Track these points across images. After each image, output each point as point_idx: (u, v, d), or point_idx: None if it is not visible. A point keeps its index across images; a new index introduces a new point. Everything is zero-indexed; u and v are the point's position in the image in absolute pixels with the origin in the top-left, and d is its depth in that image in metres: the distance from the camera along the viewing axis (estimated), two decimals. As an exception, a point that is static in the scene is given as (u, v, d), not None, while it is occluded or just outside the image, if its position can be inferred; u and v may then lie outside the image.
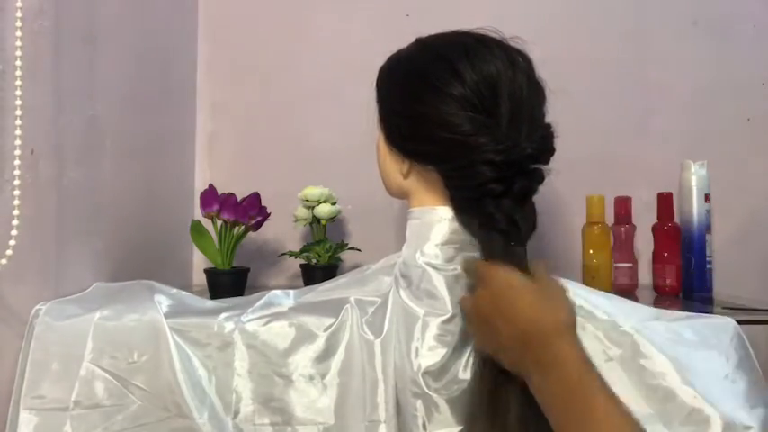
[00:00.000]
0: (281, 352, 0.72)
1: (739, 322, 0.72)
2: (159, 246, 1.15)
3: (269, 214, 1.10)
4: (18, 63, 0.72)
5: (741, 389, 0.66)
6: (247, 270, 1.09)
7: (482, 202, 0.68)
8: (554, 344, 0.58)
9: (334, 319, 0.73)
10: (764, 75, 1.29)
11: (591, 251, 1.10)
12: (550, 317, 0.60)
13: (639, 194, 1.18)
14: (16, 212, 0.72)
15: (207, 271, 1.07)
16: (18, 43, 0.72)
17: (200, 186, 1.29)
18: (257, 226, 1.08)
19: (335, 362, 0.72)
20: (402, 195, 0.79)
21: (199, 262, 1.29)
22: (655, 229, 1.13)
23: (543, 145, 0.70)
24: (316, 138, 1.32)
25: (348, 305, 0.74)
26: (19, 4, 0.72)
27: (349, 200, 1.25)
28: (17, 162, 0.72)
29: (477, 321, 0.65)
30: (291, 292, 0.81)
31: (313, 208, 1.16)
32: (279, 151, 1.33)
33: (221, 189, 1.06)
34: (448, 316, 0.69)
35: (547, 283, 0.63)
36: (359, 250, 1.19)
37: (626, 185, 1.19)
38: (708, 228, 1.09)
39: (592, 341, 0.68)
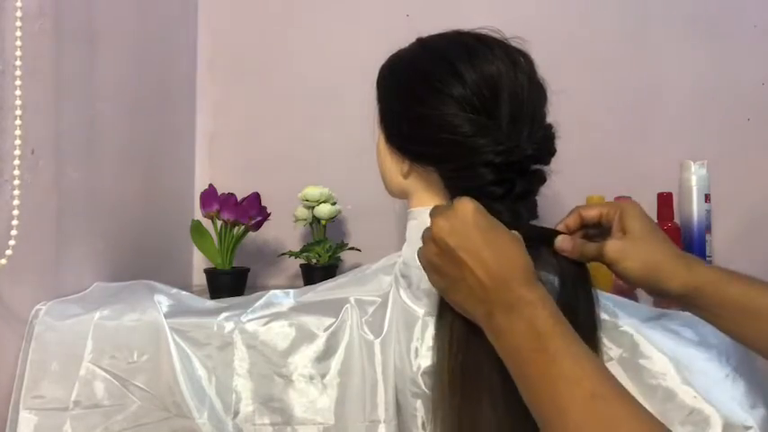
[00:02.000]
0: (281, 352, 0.72)
1: (739, 322, 0.72)
2: (159, 246, 1.15)
3: (269, 214, 1.10)
4: (18, 63, 0.72)
5: (741, 389, 0.65)
6: (247, 270, 1.09)
7: (482, 203, 0.68)
8: (522, 285, 0.56)
9: (334, 319, 0.73)
10: (764, 75, 1.29)
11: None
12: (520, 260, 0.58)
13: (639, 194, 1.18)
14: (16, 212, 0.72)
15: (207, 271, 1.07)
16: (18, 43, 0.72)
17: (200, 186, 1.29)
18: (257, 226, 1.08)
19: (335, 362, 0.72)
20: (402, 195, 0.79)
21: (199, 262, 1.29)
22: (655, 229, 1.13)
23: (544, 146, 0.70)
24: (316, 138, 1.32)
25: (348, 305, 0.74)
26: (19, 5, 0.72)
27: (349, 200, 1.25)
28: (17, 162, 0.72)
29: (438, 251, 0.60)
30: (291, 291, 0.81)
31: (313, 208, 1.16)
32: (279, 151, 1.33)
33: (221, 189, 1.06)
34: (448, 316, 0.69)
35: (509, 231, 0.61)
36: (359, 250, 1.19)
37: (626, 185, 1.19)
38: (708, 228, 1.09)
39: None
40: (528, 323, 0.55)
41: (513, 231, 0.62)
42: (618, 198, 1.15)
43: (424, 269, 0.64)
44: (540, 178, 0.70)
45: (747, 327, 0.60)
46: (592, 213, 0.68)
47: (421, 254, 0.63)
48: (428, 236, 0.62)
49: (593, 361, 0.54)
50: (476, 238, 0.59)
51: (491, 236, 0.59)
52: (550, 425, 0.52)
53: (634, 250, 0.64)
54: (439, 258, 0.60)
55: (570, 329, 0.55)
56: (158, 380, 0.72)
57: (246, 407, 0.71)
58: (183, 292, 0.85)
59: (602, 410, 0.50)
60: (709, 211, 1.09)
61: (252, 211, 1.06)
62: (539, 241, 0.66)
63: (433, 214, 0.62)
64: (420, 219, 0.75)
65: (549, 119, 0.73)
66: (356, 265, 0.89)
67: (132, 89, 1.04)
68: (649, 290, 0.64)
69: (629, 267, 0.63)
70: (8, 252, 0.71)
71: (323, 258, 1.13)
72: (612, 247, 0.64)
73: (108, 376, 0.72)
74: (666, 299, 0.63)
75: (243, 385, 0.72)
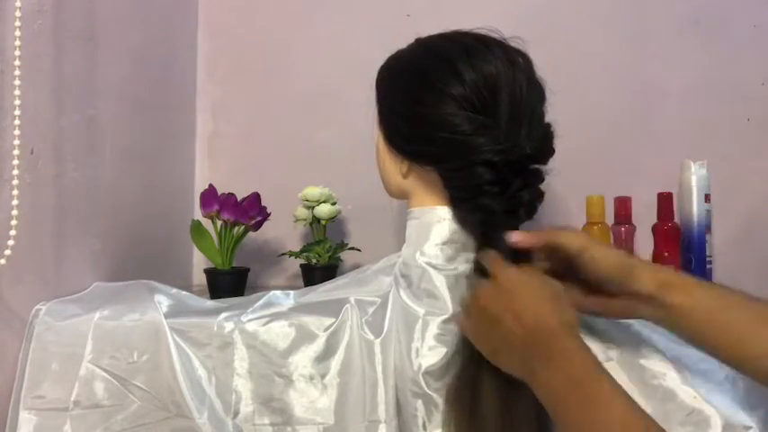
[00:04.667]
0: (281, 352, 0.72)
1: (739, 322, 0.72)
2: (159, 246, 1.15)
3: (269, 214, 1.10)
4: (18, 63, 0.72)
5: (741, 389, 0.65)
6: (247, 270, 1.09)
7: (482, 202, 0.68)
8: (560, 339, 0.58)
9: (334, 319, 0.73)
10: (764, 75, 1.29)
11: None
12: (557, 315, 0.59)
13: (639, 194, 1.18)
14: (15, 212, 0.72)
15: (207, 271, 1.07)
16: (18, 43, 0.72)
17: (200, 186, 1.29)
18: (257, 226, 1.08)
19: (335, 362, 0.72)
20: (402, 195, 0.79)
21: (199, 262, 1.29)
22: (655, 229, 1.13)
23: (543, 145, 0.70)
24: (316, 138, 1.31)
25: (348, 305, 0.74)
26: (18, 4, 0.72)
27: (349, 200, 1.25)
28: (17, 162, 0.72)
29: (481, 318, 0.64)
30: (291, 292, 0.81)
31: (313, 208, 1.16)
32: (279, 151, 1.32)
33: (221, 189, 1.06)
34: (448, 316, 0.69)
35: (548, 282, 0.63)
36: (359, 250, 1.19)
37: (626, 185, 1.19)
38: (708, 228, 1.09)
39: (592, 341, 0.68)
40: (566, 373, 0.56)
41: (555, 282, 0.63)
42: (618, 198, 1.15)
43: (470, 338, 0.65)
44: (539, 177, 0.70)
45: (714, 337, 0.60)
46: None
47: (465, 325, 0.66)
48: (470, 305, 0.65)
49: (633, 403, 0.54)
50: (512, 298, 0.61)
51: (527, 293, 0.61)
52: None
53: (601, 244, 0.66)
54: (482, 325, 0.64)
55: (607, 374, 0.56)
56: (158, 380, 0.72)
57: (246, 407, 0.71)
58: (183, 292, 0.85)
59: None
60: (709, 211, 1.09)
61: (252, 211, 1.06)
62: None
63: (473, 285, 0.66)
64: (420, 218, 0.75)
65: (549, 118, 0.73)
66: (356, 265, 0.89)
67: (132, 89, 1.04)
68: (618, 283, 0.63)
69: (600, 256, 0.63)
70: (8, 252, 0.71)
71: (323, 258, 1.13)
72: (580, 235, 0.66)
73: (108, 376, 0.72)
74: (631, 296, 0.62)
75: (243, 385, 0.72)
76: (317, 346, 0.72)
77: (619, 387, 0.55)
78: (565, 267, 0.65)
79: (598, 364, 0.57)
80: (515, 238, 0.66)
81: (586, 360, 0.57)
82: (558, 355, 0.57)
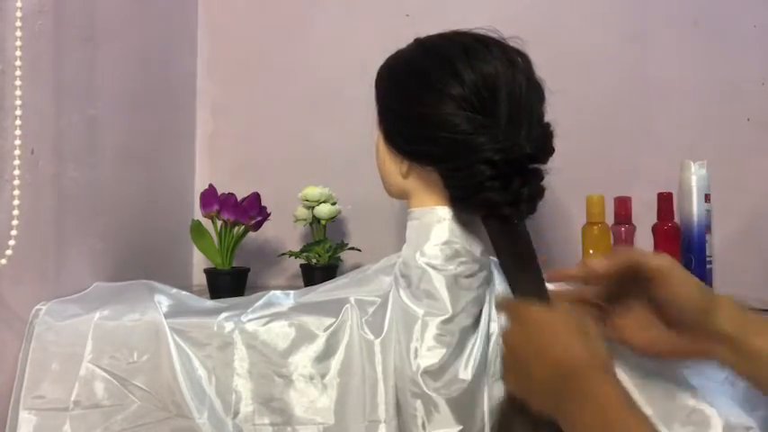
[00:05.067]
0: (281, 352, 0.72)
1: (739, 322, 0.71)
2: (159, 246, 1.15)
3: (269, 214, 1.10)
4: (18, 63, 0.72)
5: (741, 390, 0.66)
6: (247, 270, 1.09)
7: (481, 201, 0.68)
8: (590, 377, 0.55)
9: (334, 319, 0.73)
10: (764, 75, 1.28)
11: (591, 251, 1.10)
12: (586, 353, 0.57)
13: (639, 194, 1.18)
14: (16, 212, 0.72)
15: (207, 271, 1.07)
16: (18, 43, 0.72)
17: (200, 186, 1.29)
18: (257, 226, 1.08)
19: (335, 362, 0.72)
20: (401, 196, 0.79)
21: (199, 262, 1.29)
22: (655, 229, 1.13)
23: (542, 144, 0.70)
24: (316, 138, 1.31)
25: (348, 305, 0.74)
26: (19, 5, 0.72)
27: (349, 200, 1.25)
28: (17, 162, 0.72)
29: (510, 360, 0.63)
30: (291, 292, 0.81)
31: (313, 208, 1.16)
32: (279, 151, 1.32)
33: (221, 189, 1.06)
34: (447, 316, 0.70)
35: (573, 316, 0.61)
36: (359, 250, 1.19)
37: (626, 185, 1.19)
38: (708, 228, 1.09)
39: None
40: (597, 413, 0.53)
41: (582, 315, 0.61)
42: (618, 198, 1.15)
43: (507, 382, 0.65)
44: (539, 177, 0.70)
45: None
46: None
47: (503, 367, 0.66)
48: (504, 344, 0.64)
49: None
50: (537, 335, 0.60)
51: (552, 329, 0.59)
52: None
53: (684, 270, 0.61)
54: (511, 366, 0.63)
55: (640, 413, 0.53)
56: (158, 380, 0.72)
57: (246, 407, 0.71)
58: (183, 292, 0.85)
59: None
60: (709, 211, 1.09)
61: (252, 211, 1.06)
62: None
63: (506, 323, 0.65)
64: (420, 219, 0.75)
65: (549, 118, 0.73)
66: (356, 265, 0.89)
67: (132, 89, 1.04)
68: (695, 314, 0.59)
69: (681, 280, 0.59)
70: (8, 252, 0.71)
71: (323, 258, 1.13)
72: (665, 256, 0.61)
73: (108, 376, 0.72)
74: (706, 334, 0.57)
75: (243, 385, 0.72)
76: (317, 346, 0.72)
77: (651, 426, 0.52)
78: (636, 295, 0.62)
79: (631, 404, 0.53)
80: (593, 265, 0.63)
81: (618, 399, 0.53)
82: (589, 394, 0.54)
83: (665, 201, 1.12)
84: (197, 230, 1.07)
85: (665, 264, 0.60)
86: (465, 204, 0.71)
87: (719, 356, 0.58)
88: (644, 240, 1.16)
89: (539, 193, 0.70)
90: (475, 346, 0.70)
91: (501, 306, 0.68)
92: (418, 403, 0.68)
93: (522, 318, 0.62)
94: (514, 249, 0.69)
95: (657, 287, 0.60)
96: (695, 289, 0.59)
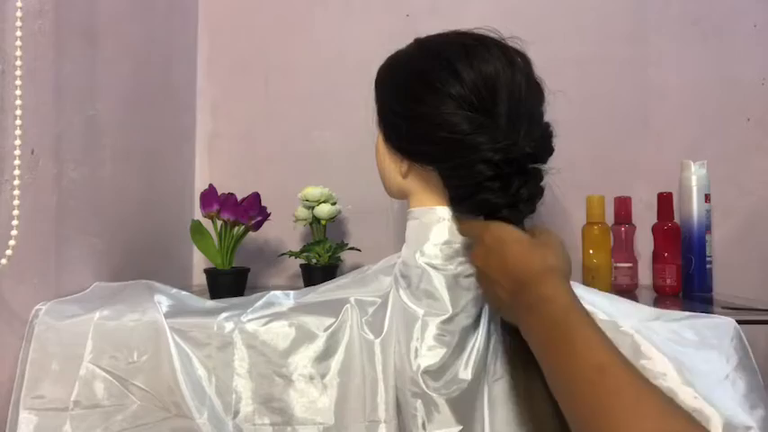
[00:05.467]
0: (281, 352, 0.72)
1: (739, 322, 0.72)
2: (159, 246, 1.15)
3: (269, 214, 1.10)
4: (18, 63, 0.72)
5: (741, 390, 0.65)
6: (247, 270, 1.09)
7: (481, 200, 0.68)
8: (540, 284, 0.59)
9: (334, 319, 0.73)
10: (764, 75, 1.29)
11: (591, 251, 1.10)
12: (538, 261, 0.61)
13: (639, 194, 1.18)
14: (16, 212, 0.72)
15: (207, 271, 1.07)
16: (18, 43, 0.72)
17: (200, 186, 1.29)
18: (257, 226, 1.08)
19: (335, 362, 0.72)
20: (401, 195, 0.79)
21: (199, 262, 1.29)
22: (655, 229, 1.13)
23: (542, 144, 0.70)
24: (316, 138, 1.32)
25: (348, 305, 0.74)
26: (19, 4, 0.72)
27: (349, 200, 1.26)
28: (17, 162, 0.72)
29: (480, 279, 0.67)
30: (291, 292, 0.81)
31: (313, 208, 1.16)
32: (279, 151, 1.33)
33: (221, 189, 1.06)
34: (447, 316, 0.70)
35: (540, 233, 0.65)
36: (359, 250, 1.19)
37: (626, 185, 1.19)
38: (708, 228, 1.09)
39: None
40: (546, 318, 0.57)
41: (547, 231, 0.65)
42: (618, 198, 1.15)
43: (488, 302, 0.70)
44: (538, 177, 0.70)
45: None
46: None
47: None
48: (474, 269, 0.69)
49: (611, 347, 0.54)
50: (498, 251, 0.64)
51: (511, 244, 0.63)
52: (574, 414, 0.52)
53: None
54: (482, 284, 0.67)
55: (587, 316, 0.56)
56: (158, 380, 0.72)
57: (246, 407, 0.71)
58: (183, 292, 0.85)
59: (610, 381, 0.51)
60: (709, 211, 1.09)
61: (252, 211, 1.06)
62: None
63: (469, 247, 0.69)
64: (420, 219, 0.75)
65: (549, 118, 0.73)
66: (356, 265, 0.89)
67: (132, 89, 1.04)
68: None
69: None
70: (8, 252, 0.71)
71: (323, 258, 1.13)
72: None
73: (108, 376, 0.72)
74: None
75: (243, 385, 0.72)
76: (317, 346, 0.72)
77: (598, 331, 0.55)
78: None
79: (579, 308, 0.57)
80: None
81: (566, 304, 0.57)
82: (539, 301, 0.58)
83: (665, 201, 1.12)
84: (197, 230, 1.07)
85: None
86: (464, 205, 0.71)
87: None
88: (644, 240, 1.17)
89: (538, 193, 0.70)
90: (475, 346, 0.70)
91: (464, 229, 0.71)
92: (418, 403, 0.68)
93: (483, 234, 0.66)
94: None
95: None
96: None
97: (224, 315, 0.75)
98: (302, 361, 0.72)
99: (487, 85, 0.69)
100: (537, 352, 0.58)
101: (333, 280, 0.83)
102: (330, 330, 0.72)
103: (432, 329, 0.69)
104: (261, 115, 1.34)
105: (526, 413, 0.68)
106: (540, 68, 0.73)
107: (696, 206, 1.09)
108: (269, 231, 1.24)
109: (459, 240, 0.72)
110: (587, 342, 0.54)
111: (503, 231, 0.65)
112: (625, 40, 1.30)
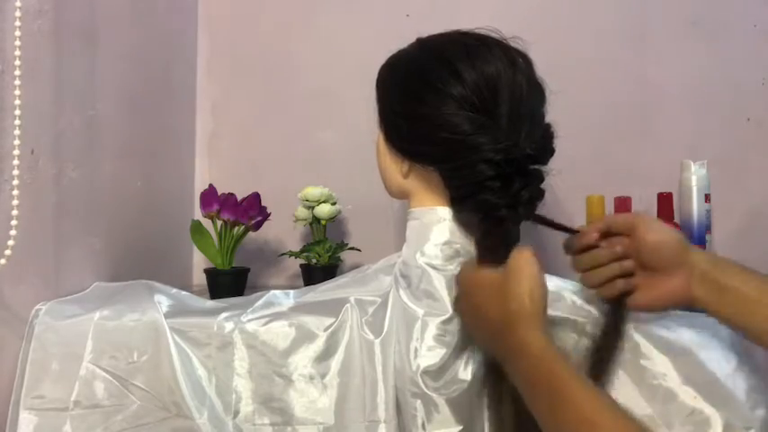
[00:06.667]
0: (281, 352, 0.72)
1: (739, 322, 0.72)
2: (159, 246, 1.15)
3: (269, 214, 1.10)
4: (18, 63, 0.72)
5: (741, 390, 0.65)
6: (247, 270, 1.09)
7: (482, 201, 0.68)
8: (517, 331, 0.59)
9: (334, 319, 0.73)
10: (764, 75, 1.29)
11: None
12: (513, 305, 0.60)
13: (639, 194, 1.18)
14: (16, 212, 0.72)
15: (207, 271, 1.07)
16: (18, 43, 0.72)
17: (200, 186, 1.29)
18: (257, 226, 1.08)
19: (335, 362, 0.72)
20: (402, 195, 0.79)
21: (199, 262, 1.29)
22: (655, 229, 1.13)
23: (543, 145, 0.70)
24: (316, 138, 1.32)
25: (348, 305, 0.74)
26: (19, 4, 0.72)
27: (349, 200, 1.25)
28: (17, 162, 0.72)
29: (464, 322, 0.68)
30: (291, 292, 0.81)
31: (313, 208, 1.16)
32: (279, 151, 1.33)
33: (221, 189, 1.06)
34: (447, 316, 0.69)
35: (515, 272, 0.62)
36: (359, 250, 1.19)
37: (626, 185, 1.19)
38: (708, 228, 1.09)
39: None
40: (525, 365, 0.58)
41: (524, 265, 0.62)
42: (618, 198, 1.15)
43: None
44: (539, 178, 0.70)
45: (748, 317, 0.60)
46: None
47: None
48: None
49: (590, 391, 0.55)
50: (477, 299, 0.64)
51: (483, 288, 0.63)
52: None
53: (655, 222, 0.67)
54: (466, 325, 0.68)
55: (558, 360, 0.57)
56: (158, 380, 0.72)
57: (246, 407, 0.71)
58: (183, 292, 0.85)
59: None
60: (709, 211, 1.09)
61: (252, 211, 1.06)
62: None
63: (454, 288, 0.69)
64: (420, 219, 0.75)
65: (549, 119, 0.73)
66: (356, 265, 0.89)
67: (132, 89, 1.04)
68: (674, 252, 0.63)
69: (655, 227, 0.65)
70: (8, 252, 0.71)
71: (323, 258, 1.13)
72: (629, 214, 0.71)
73: (108, 376, 0.72)
74: (685, 274, 0.62)
75: (243, 385, 0.72)
76: (317, 345, 0.72)
77: (578, 379, 0.55)
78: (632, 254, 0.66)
79: (554, 355, 0.57)
80: (583, 236, 0.68)
81: (541, 349, 0.57)
82: (516, 347, 0.59)
83: (665, 201, 1.12)
84: (197, 230, 1.07)
85: (633, 217, 0.66)
86: (465, 205, 0.71)
87: (696, 296, 0.62)
88: (644, 240, 1.16)
89: (538, 195, 0.70)
90: (475, 346, 0.70)
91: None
92: (418, 403, 0.68)
93: (463, 281, 0.66)
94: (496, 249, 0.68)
95: (642, 234, 0.64)
96: (669, 234, 0.65)
97: (224, 315, 0.75)
98: (302, 361, 0.72)
99: (489, 86, 0.69)
100: (524, 397, 0.59)
101: (332, 279, 0.83)
102: (330, 330, 0.72)
103: (432, 329, 0.69)
104: (261, 115, 1.34)
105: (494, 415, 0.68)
106: (540, 68, 0.73)
107: (696, 206, 1.09)
108: (269, 231, 1.24)
109: (459, 241, 0.72)
110: (572, 395, 0.54)
111: (479, 277, 0.64)
112: (625, 40, 1.30)
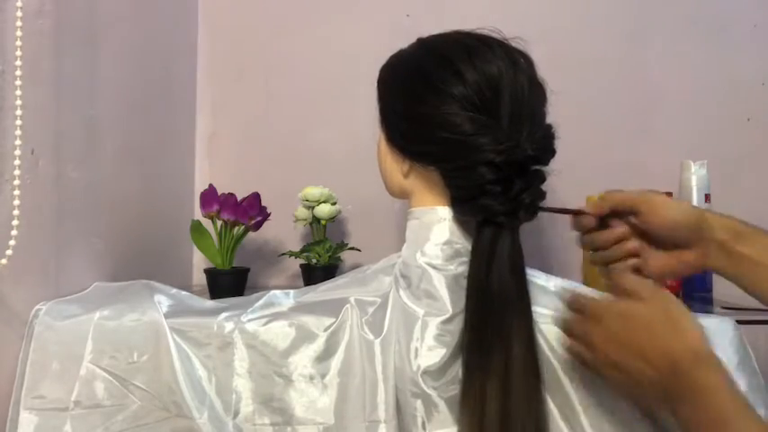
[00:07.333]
0: (281, 352, 0.72)
1: (739, 322, 0.72)
2: (159, 246, 1.15)
3: (269, 214, 1.10)
4: (18, 63, 0.72)
5: (741, 389, 0.65)
6: (247, 270, 1.09)
7: (482, 202, 0.68)
8: (693, 372, 0.54)
9: (334, 319, 0.73)
10: (764, 75, 1.29)
11: (591, 251, 1.10)
12: (681, 345, 0.56)
13: (639, 194, 1.18)
14: (16, 212, 0.72)
15: (207, 271, 1.07)
16: (18, 43, 0.72)
17: (200, 186, 1.29)
18: (257, 226, 1.08)
19: (335, 362, 0.72)
20: (403, 195, 0.79)
21: (199, 262, 1.29)
22: (655, 229, 1.13)
23: (544, 146, 0.70)
24: (316, 138, 1.32)
25: (348, 305, 0.74)
26: (19, 4, 0.72)
27: (349, 200, 1.26)
28: (17, 162, 0.72)
29: (602, 364, 0.60)
30: (291, 292, 0.81)
31: (313, 208, 1.16)
32: (279, 151, 1.33)
33: (221, 189, 1.06)
34: (447, 316, 0.69)
35: (664, 306, 0.58)
36: (359, 250, 1.19)
37: (626, 185, 1.18)
38: (708, 228, 1.09)
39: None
40: (710, 411, 0.53)
41: (667, 298, 0.59)
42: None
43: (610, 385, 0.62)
44: (540, 178, 0.70)
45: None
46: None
47: (588, 361, 0.61)
48: (583, 352, 0.61)
49: None
50: (633, 337, 0.57)
51: (643, 328, 0.57)
52: None
53: (660, 194, 0.68)
54: (608, 372, 0.60)
55: (752, 410, 0.53)
56: (158, 380, 0.72)
57: (246, 407, 0.71)
58: (183, 292, 0.85)
59: None
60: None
61: (252, 211, 1.06)
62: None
63: (573, 327, 0.63)
64: (420, 218, 0.75)
65: (550, 119, 0.73)
66: (356, 265, 0.89)
67: (132, 89, 1.04)
68: (689, 228, 0.63)
69: (663, 203, 0.65)
70: (8, 252, 0.71)
71: (323, 258, 1.13)
72: (633, 191, 0.68)
73: (108, 376, 0.72)
74: (702, 244, 0.62)
75: (243, 385, 0.72)
76: (317, 345, 0.72)
77: (758, 419, 0.52)
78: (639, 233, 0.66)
79: (737, 394, 0.54)
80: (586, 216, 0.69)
81: (725, 391, 0.54)
82: (695, 389, 0.54)
83: (665, 201, 1.12)
84: (197, 230, 1.07)
85: (648, 194, 0.67)
86: (465, 207, 0.71)
87: (713, 262, 0.63)
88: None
89: (539, 197, 0.70)
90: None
91: (573, 303, 0.63)
92: (418, 403, 0.68)
93: (605, 315, 0.59)
94: (491, 256, 0.68)
95: (647, 215, 0.65)
96: (683, 207, 0.65)
97: (224, 315, 0.75)
98: (302, 361, 0.72)
99: (490, 86, 0.69)
100: None
101: (332, 279, 0.83)
102: (330, 330, 0.72)
103: (432, 329, 0.69)
104: (261, 115, 1.34)
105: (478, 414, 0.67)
106: (540, 68, 0.73)
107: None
108: (269, 231, 1.24)
109: (459, 240, 0.72)
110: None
111: (628, 310, 0.59)
112: (625, 40, 1.30)
